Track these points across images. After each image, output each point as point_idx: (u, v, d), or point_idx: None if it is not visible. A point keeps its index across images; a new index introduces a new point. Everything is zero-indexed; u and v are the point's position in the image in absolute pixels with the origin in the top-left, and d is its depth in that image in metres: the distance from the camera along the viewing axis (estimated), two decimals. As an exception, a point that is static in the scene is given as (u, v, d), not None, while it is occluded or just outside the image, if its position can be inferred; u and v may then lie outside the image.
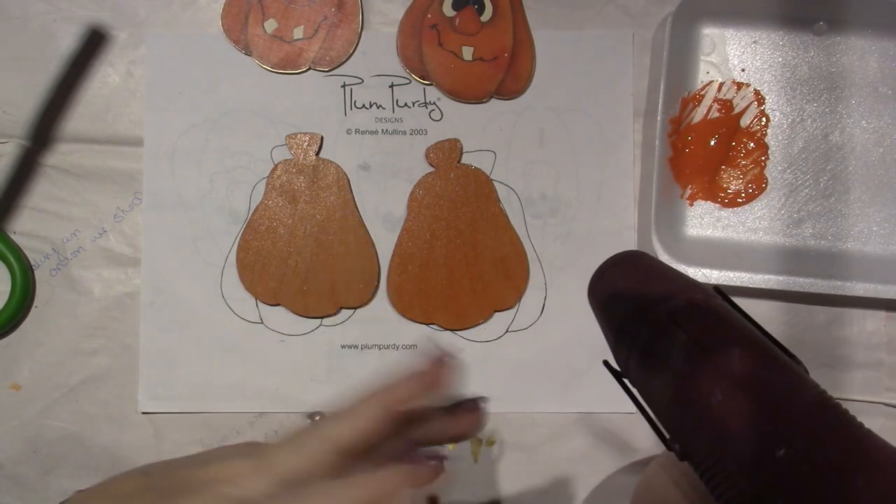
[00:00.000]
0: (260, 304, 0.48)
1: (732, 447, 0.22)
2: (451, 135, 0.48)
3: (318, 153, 0.48)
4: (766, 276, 0.45)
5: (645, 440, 0.48)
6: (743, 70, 0.49)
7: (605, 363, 0.29)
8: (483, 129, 0.49)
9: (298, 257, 0.47)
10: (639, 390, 0.28)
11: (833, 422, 0.22)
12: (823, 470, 0.20)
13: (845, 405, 0.23)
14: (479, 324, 0.48)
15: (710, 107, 0.48)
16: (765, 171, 0.48)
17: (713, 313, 0.26)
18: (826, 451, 0.21)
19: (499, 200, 0.48)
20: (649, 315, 0.26)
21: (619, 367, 0.29)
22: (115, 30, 0.48)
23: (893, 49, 0.48)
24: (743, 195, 0.48)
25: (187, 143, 0.48)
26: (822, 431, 0.21)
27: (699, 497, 0.29)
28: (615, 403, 0.48)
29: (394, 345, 0.48)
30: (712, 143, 0.48)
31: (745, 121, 0.49)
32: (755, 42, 0.49)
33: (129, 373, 0.47)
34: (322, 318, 0.48)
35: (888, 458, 0.21)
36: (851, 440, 0.21)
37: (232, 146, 0.48)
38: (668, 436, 0.25)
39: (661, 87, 0.45)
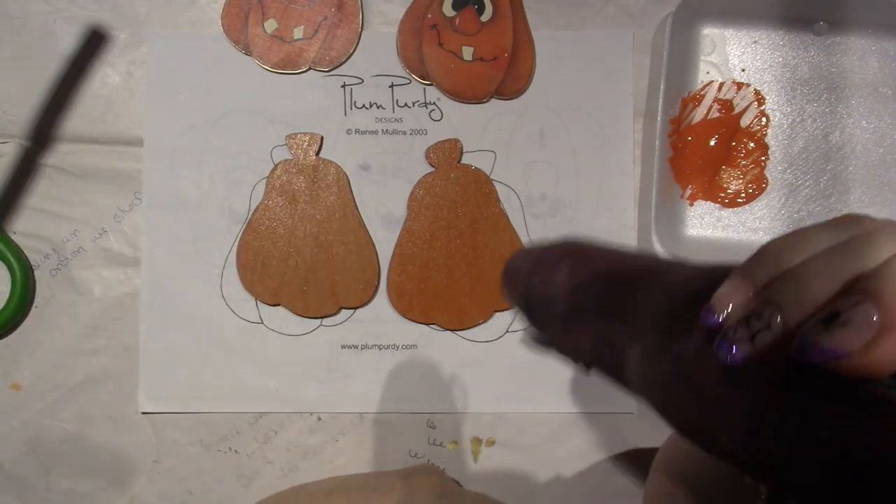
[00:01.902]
0: (260, 304, 0.48)
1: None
2: (451, 135, 0.48)
3: (318, 153, 0.48)
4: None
5: (645, 440, 0.48)
6: (743, 70, 0.49)
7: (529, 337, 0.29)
8: (483, 129, 0.49)
9: (298, 257, 0.47)
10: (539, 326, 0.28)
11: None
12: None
13: None
14: (479, 324, 0.48)
15: (710, 107, 0.48)
16: (765, 171, 0.48)
17: (585, 250, 0.27)
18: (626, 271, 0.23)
19: (499, 200, 0.48)
20: (538, 271, 0.27)
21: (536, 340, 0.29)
22: (115, 30, 0.48)
23: (893, 49, 0.48)
24: (743, 195, 0.48)
25: (187, 143, 0.48)
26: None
27: (701, 496, 0.29)
28: (615, 403, 0.48)
29: (394, 345, 0.48)
30: (712, 143, 0.48)
31: (745, 121, 0.49)
32: (755, 42, 0.49)
33: (129, 373, 0.47)
34: (322, 318, 0.48)
35: (676, 266, 0.22)
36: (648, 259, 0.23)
37: (232, 146, 0.48)
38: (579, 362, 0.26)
39: (661, 87, 0.45)
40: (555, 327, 0.25)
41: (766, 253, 0.17)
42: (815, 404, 0.15)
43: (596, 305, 0.23)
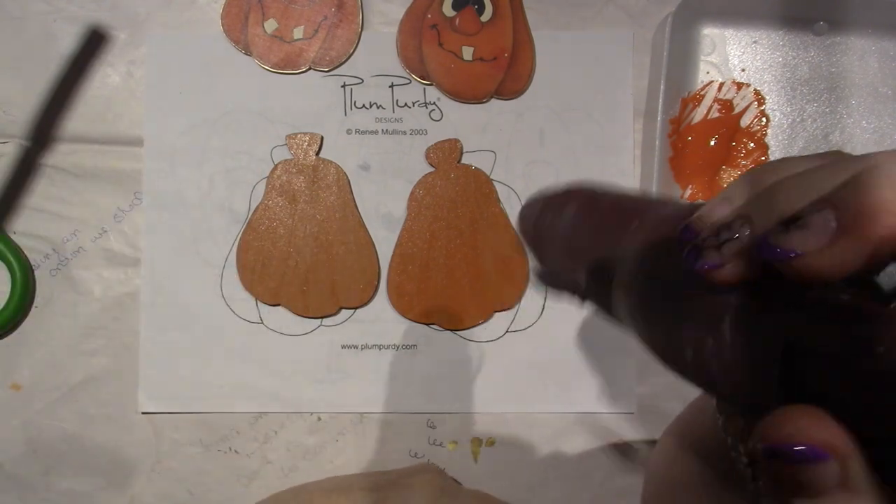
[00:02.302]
0: (260, 304, 0.48)
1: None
2: (451, 135, 0.48)
3: (318, 153, 0.48)
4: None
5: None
6: (743, 70, 0.49)
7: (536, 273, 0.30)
8: (483, 129, 0.49)
9: (298, 257, 0.47)
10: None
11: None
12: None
13: None
14: (479, 324, 0.48)
15: (710, 107, 0.48)
16: (765, 171, 0.48)
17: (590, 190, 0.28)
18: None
19: (499, 200, 0.48)
20: (546, 210, 0.28)
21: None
22: (115, 30, 0.48)
23: (893, 49, 0.48)
24: (743, 195, 0.48)
25: (187, 143, 0.48)
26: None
27: (710, 464, 0.29)
28: (615, 403, 0.48)
29: (394, 345, 0.48)
30: (712, 143, 0.48)
31: (745, 121, 0.49)
32: (755, 42, 0.49)
33: (129, 373, 0.47)
34: (322, 318, 0.48)
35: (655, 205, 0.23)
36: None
37: (232, 146, 0.48)
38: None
39: (661, 87, 0.45)
40: (556, 263, 0.27)
41: (746, 177, 0.18)
42: (765, 307, 0.16)
43: (591, 240, 0.25)
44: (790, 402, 0.15)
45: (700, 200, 0.21)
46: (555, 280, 0.28)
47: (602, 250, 0.24)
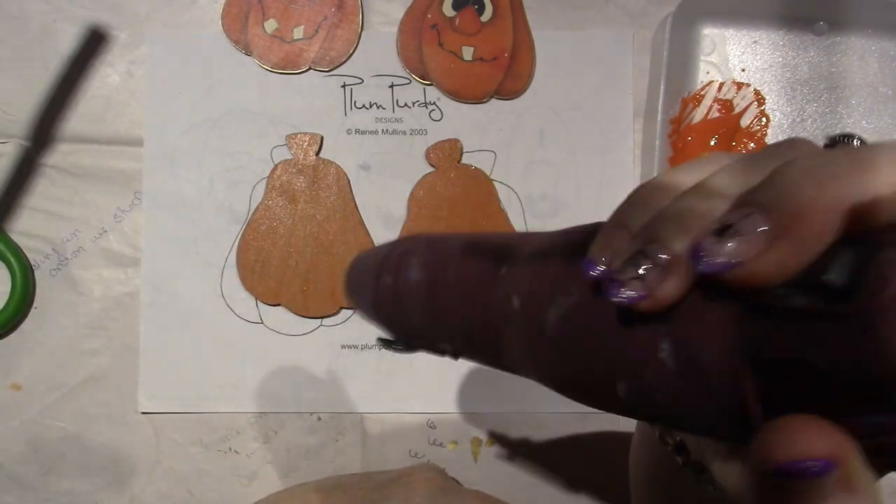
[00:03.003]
0: (260, 304, 0.48)
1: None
2: (451, 135, 0.48)
3: (318, 153, 0.48)
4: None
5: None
6: (743, 70, 0.49)
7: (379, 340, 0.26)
8: (483, 129, 0.49)
9: (298, 257, 0.47)
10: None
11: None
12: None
13: None
14: (479, 324, 0.48)
15: (710, 107, 0.48)
16: (765, 171, 0.48)
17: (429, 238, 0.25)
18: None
19: (499, 200, 0.48)
20: (385, 266, 0.25)
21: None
22: (115, 30, 0.48)
23: (893, 49, 0.48)
24: (743, 195, 0.48)
25: (187, 143, 0.48)
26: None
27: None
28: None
29: (394, 345, 0.48)
30: (712, 143, 0.48)
31: (745, 121, 0.49)
32: (755, 42, 0.49)
33: (129, 373, 0.47)
34: (322, 318, 0.48)
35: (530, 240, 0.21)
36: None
37: (232, 146, 0.48)
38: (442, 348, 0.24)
39: (661, 87, 0.45)
40: (412, 327, 0.24)
41: (637, 197, 0.17)
42: (711, 325, 0.15)
43: (454, 296, 0.22)
44: (767, 416, 0.14)
45: (573, 227, 0.20)
46: (413, 345, 0.25)
47: (474, 306, 0.21)
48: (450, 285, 0.22)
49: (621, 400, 0.17)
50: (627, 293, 0.15)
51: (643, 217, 0.17)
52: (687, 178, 0.17)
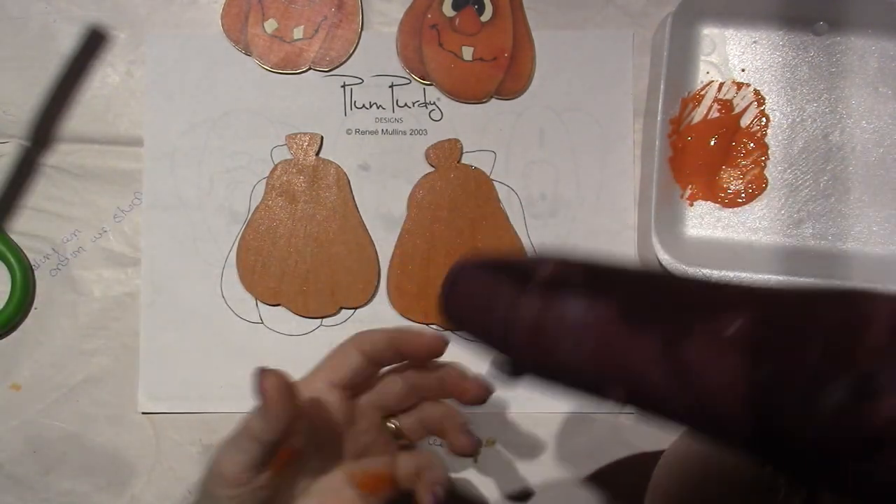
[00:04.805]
0: (260, 304, 0.48)
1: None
2: (451, 135, 0.48)
3: (318, 153, 0.48)
4: (767, 277, 0.45)
5: (646, 440, 0.48)
6: (743, 70, 0.49)
7: (494, 364, 0.23)
8: (483, 129, 0.49)
9: (298, 257, 0.47)
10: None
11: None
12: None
13: None
14: (479, 324, 0.48)
15: (710, 107, 0.48)
16: (765, 171, 0.48)
17: (582, 262, 0.22)
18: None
19: (499, 200, 0.48)
20: (522, 299, 0.21)
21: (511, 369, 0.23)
22: (115, 30, 0.48)
23: (893, 49, 0.48)
24: (743, 195, 0.48)
25: (187, 143, 0.48)
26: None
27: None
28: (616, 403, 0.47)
29: (394, 345, 0.48)
30: (712, 143, 0.48)
31: (745, 121, 0.49)
32: (755, 42, 0.49)
33: (129, 373, 0.47)
34: (322, 318, 0.48)
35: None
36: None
37: (232, 146, 0.48)
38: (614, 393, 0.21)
39: (661, 87, 0.45)
40: (560, 366, 0.21)
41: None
42: None
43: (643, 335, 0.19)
44: None
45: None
46: (521, 372, 0.22)
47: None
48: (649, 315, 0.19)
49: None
50: None
51: None
52: None
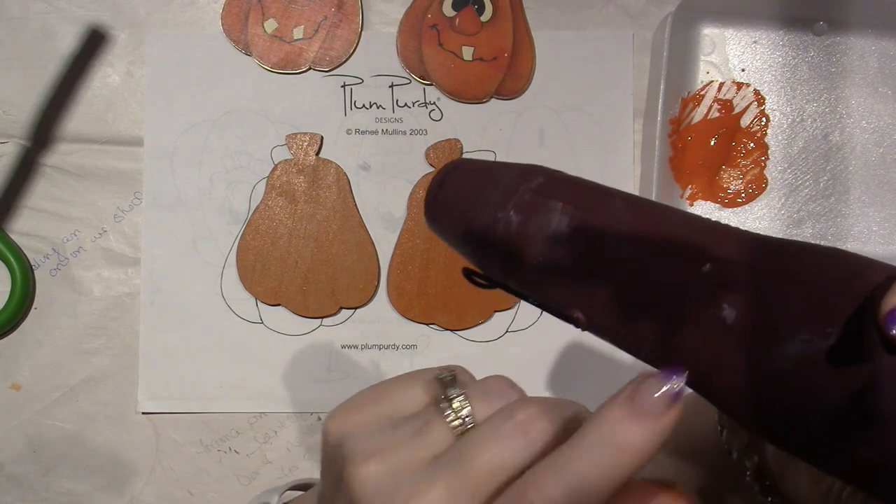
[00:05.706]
0: (260, 304, 0.48)
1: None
2: (451, 135, 0.48)
3: (318, 153, 0.48)
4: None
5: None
6: (743, 70, 0.49)
7: (465, 271, 0.23)
8: (483, 129, 0.49)
9: (298, 257, 0.47)
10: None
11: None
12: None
13: None
14: (479, 324, 0.48)
15: (710, 107, 0.48)
16: (765, 171, 0.48)
17: (574, 180, 0.23)
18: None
19: (499, 200, 0.48)
20: (512, 199, 0.22)
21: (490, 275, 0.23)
22: (115, 30, 0.48)
23: (893, 49, 0.48)
24: (743, 195, 0.48)
25: (187, 143, 0.48)
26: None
27: (705, 466, 0.27)
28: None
29: (394, 345, 0.48)
30: (712, 143, 0.48)
31: (745, 121, 0.49)
32: (755, 42, 0.49)
33: (129, 373, 0.47)
34: (322, 318, 0.48)
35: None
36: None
37: (232, 146, 0.48)
38: (575, 315, 0.21)
39: (661, 87, 0.45)
40: (527, 278, 0.21)
41: None
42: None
43: (659, 281, 0.19)
44: None
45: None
46: (500, 284, 0.22)
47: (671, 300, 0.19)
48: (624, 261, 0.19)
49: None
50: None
51: None
52: None
